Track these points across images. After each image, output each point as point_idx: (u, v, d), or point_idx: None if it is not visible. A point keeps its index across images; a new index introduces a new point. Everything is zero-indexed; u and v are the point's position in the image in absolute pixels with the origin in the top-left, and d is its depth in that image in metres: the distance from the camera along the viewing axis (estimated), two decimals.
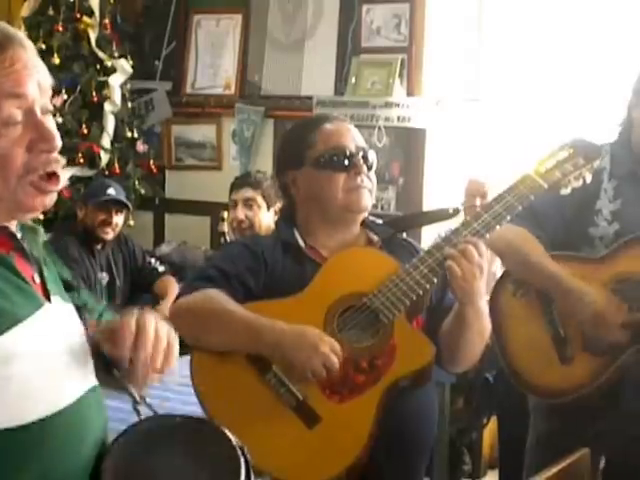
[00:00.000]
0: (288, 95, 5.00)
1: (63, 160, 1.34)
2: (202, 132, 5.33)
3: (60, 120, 4.57)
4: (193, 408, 2.01)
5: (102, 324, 1.55)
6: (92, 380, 1.38)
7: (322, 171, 2.08)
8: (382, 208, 4.64)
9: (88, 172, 4.86)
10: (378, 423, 1.92)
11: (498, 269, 3.07)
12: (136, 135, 5.12)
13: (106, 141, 4.92)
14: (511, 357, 2.44)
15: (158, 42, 5.42)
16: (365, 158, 2.10)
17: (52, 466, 1.25)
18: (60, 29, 4.89)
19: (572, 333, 2.35)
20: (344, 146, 2.09)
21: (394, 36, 4.71)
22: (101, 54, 4.96)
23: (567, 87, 4.42)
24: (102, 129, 4.90)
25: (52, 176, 1.31)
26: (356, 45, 4.82)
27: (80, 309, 1.47)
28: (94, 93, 4.88)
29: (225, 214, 4.17)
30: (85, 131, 4.86)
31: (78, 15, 4.92)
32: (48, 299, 1.34)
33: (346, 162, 2.07)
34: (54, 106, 1.41)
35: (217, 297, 1.98)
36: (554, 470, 1.81)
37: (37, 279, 1.35)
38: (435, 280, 1.98)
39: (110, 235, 4.21)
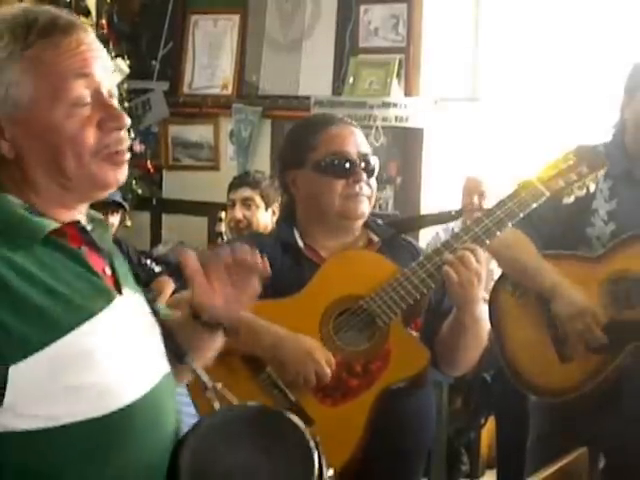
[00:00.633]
0: (286, 95, 4.99)
1: (128, 139, 1.40)
2: (199, 132, 5.32)
3: None
4: (187, 409, 2.00)
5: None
6: (165, 367, 1.41)
7: (322, 175, 2.08)
8: (380, 208, 4.63)
9: None
10: (370, 427, 1.92)
11: (495, 268, 3.07)
12: (133, 135, 5.10)
13: None
14: (511, 357, 2.44)
15: (155, 42, 5.41)
16: (366, 164, 2.09)
17: (134, 453, 1.28)
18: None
19: (571, 332, 2.35)
20: (345, 152, 2.08)
21: (392, 36, 4.71)
22: None
23: (565, 87, 4.42)
24: None
25: (120, 152, 1.37)
26: (354, 45, 4.81)
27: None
28: None
29: (223, 214, 4.17)
30: None
31: (74, 15, 4.90)
32: (120, 291, 1.36)
33: (346, 168, 2.07)
34: None
35: None
36: (552, 470, 1.81)
37: (108, 271, 1.38)
38: (433, 285, 1.97)
39: None
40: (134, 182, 5.05)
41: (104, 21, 4.99)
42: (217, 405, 1.41)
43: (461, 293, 1.93)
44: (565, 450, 1.92)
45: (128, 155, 1.39)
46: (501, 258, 2.48)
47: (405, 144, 4.69)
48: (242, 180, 4.05)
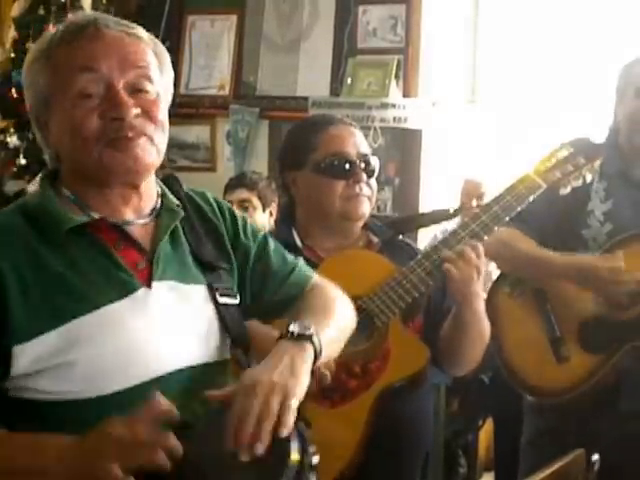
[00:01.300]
0: (283, 96, 4.98)
1: (145, 127, 1.42)
2: (196, 133, 5.30)
3: None
4: None
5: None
6: (196, 358, 1.42)
7: (322, 176, 2.08)
8: (378, 209, 4.62)
9: None
10: (370, 429, 1.91)
11: (493, 269, 3.06)
12: None
13: None
14: (508, 357, 2.44)
15: None
16: (367, 165, 2.09)
17: None
18: (51, 29, 4.84)
19: (568, 332, 2.36)
20: (345, 152, 2.08)
21: (390, 37, 4.70)
22: None
23: (564, 88, 4.42)
24: None
25: (121, 138, 1.40)
26: (352, 46, 4.80)
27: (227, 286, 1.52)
28: None
29: None
30: None
31: (69, 15, 4.89)
32: (149, 285, 1.40)
33: (346, 169, 2.07)
34: None
35: None
36: (548, 471, 1.79)
37: (142, 265, 1.41)
38: (431, 283, 1.97)
39: None
40: None
41: None
42: None
43: (462, 289, 1.93)
44: (560, 451, 1.90)
45: (142, 141, 1.42)
46: (500, 257, 2.48)
47: (403, 145, 4.68)
48: (239, 181, 4.04)
